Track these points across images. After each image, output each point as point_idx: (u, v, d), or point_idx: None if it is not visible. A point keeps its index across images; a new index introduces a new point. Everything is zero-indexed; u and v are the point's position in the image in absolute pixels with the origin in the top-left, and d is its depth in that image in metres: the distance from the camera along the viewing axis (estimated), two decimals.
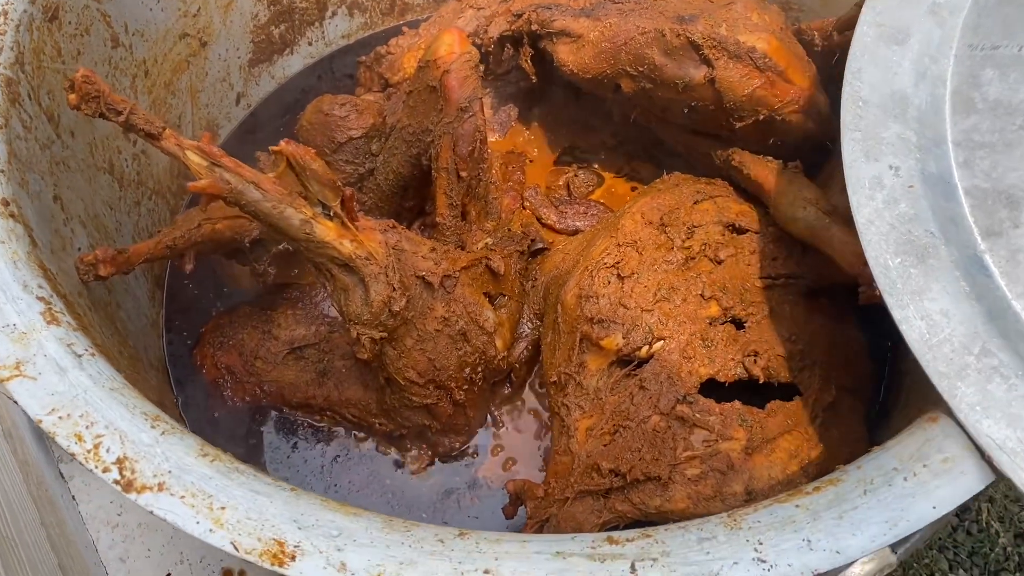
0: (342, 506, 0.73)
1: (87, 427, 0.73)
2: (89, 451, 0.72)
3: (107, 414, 0.74)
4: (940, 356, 0.81)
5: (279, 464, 1.29)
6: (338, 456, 1.30)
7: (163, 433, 0.74)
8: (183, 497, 0.70)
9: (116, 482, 0.71)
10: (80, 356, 0.79)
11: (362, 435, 1.31)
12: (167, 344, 1.39)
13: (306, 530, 0.70)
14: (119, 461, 0.72)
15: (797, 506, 0.72)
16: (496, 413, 1.31)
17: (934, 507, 0.71)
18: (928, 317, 0.83)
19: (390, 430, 1.27)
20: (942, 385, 0.79)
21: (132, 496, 0.70)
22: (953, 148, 0.93)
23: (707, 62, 1.20)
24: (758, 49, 1.19)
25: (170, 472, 0.72)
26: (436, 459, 1.28)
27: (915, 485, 0.73)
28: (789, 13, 1.53)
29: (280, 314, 1.37)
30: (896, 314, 0.84)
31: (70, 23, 1.13)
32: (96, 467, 0.72)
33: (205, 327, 1.38)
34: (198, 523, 0.69)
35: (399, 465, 1.28)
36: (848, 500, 0.72)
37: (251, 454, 1.30)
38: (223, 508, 0.70)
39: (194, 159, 1.00)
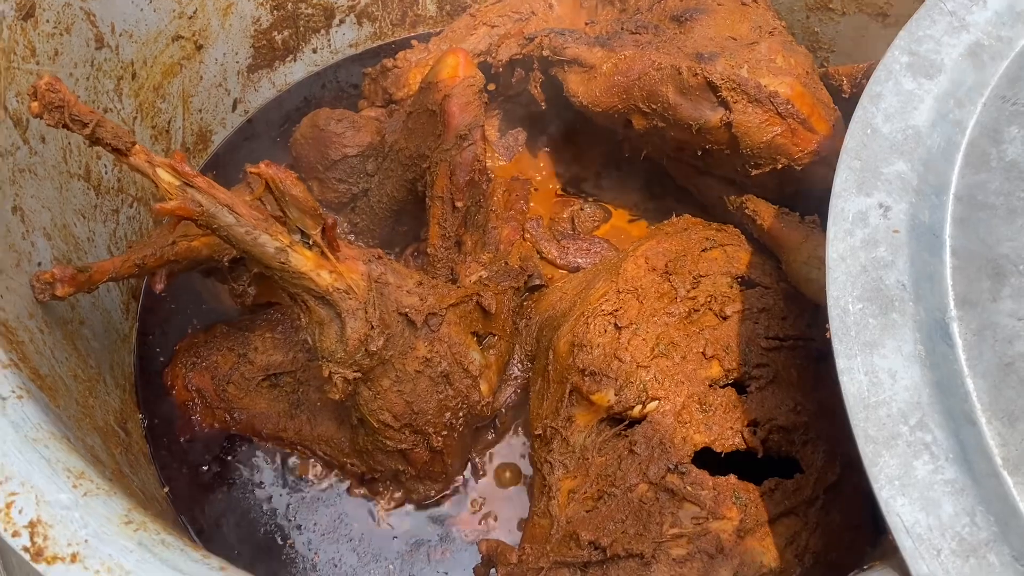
0: None
1: (0, 482, 0.66)
2: None
3: (25, 469, 0.67)
4: (873, 418, 0.76)
5: (242, 498, 1.22)
6: (306, 494, 1.22)
7: (85, 494, 0.67)
8: (97, 572, 0.63)
9: (25, 549, 0.64)
10: (5, 399, 0.71)
11: (333, 474, 1.23)
12: (138, 360, 1.32)
13: None
14: (31, 524, 0.64)
15: None
16: (477, 461, 1.23)
17: None
18: (873, 374, 0.77)
19: (362, 472, 1.19)
20: (866, 450, 0.74)
21: (41, 567, 0.63)
22: (954, 201, 0.87)
23: (725, 104, 1.12)
24: (780, 94, 1.11)
25: (87, 541, 0.64)
26: (409, 506, 1.20)
27: None
28: (818, 54, 1.45)
29: (258, 336, 1.30)
30: (840, 363, 0.78)
31: (48, 21, 1.06)
32: (5, 530, 0.64)
33: (179, 345, 1.31)
34: None
35: (369, 510, 1.20)
36: None
37: (215, 483, 1.23)
38: None
39: (165, 178, 0.93)
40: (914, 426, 0.75)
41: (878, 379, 0.77)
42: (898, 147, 0.90)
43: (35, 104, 0.88)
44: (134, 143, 0.91)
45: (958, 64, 0.95)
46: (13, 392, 0.73)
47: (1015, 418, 0.74)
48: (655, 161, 1.37)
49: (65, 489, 0.67)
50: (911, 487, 0.72)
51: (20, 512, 0.65)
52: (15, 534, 0.64)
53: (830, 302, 0.82)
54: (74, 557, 0.63)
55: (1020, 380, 0.75)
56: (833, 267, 0.83)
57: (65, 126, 0.88)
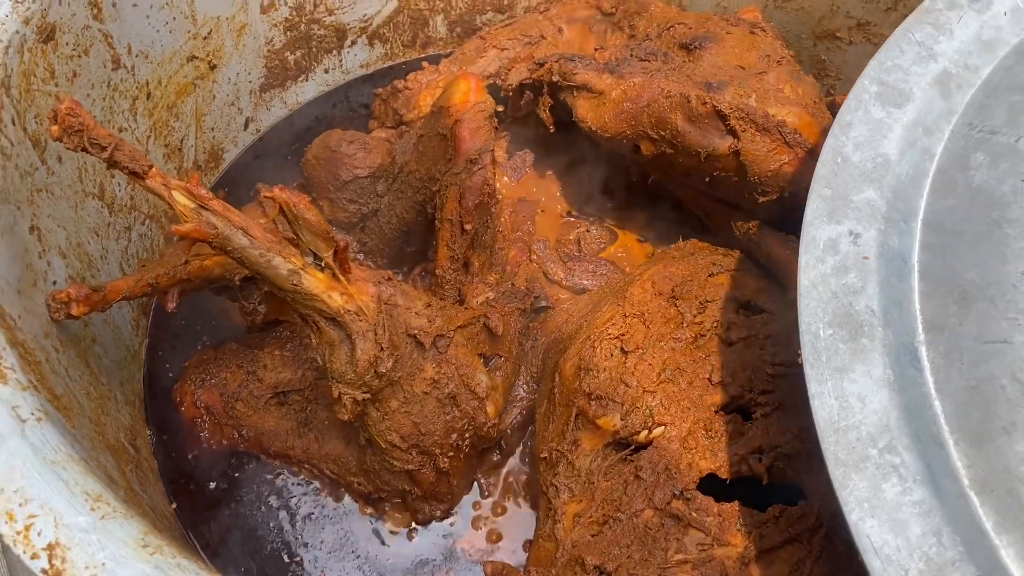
0: None
1: (20, 505, 0.67)
2: (19, 533, 0.66)
3: (44, 491, 0.68)
4: (843, 442, 0.77)
5: (250, 515, 1.23)
6: (313, 512, 1.23)
7: (103, 517, 0.68)
8: None
9: (44, 571, 0.65)
10: (24, 421, 0.72)
11: (340, 493, 1.24)
12: (147, 377, 1.33)
13: None
14: (50, 547, 0.65)
15: None
16: (482, 481, 1.24)
17: None
18: (843, 398, 0.79)
19: (369, 491, 1.20)
20: (836, 473, 0.75)
21: None
22: (922, 227, 0.88)
23: (733, 133, 1.14)
24: (788, 124, 1.12)
25: (104, 564, 0.65)
26: (415, 526, 1.21)
27: None
28: (825, 82, 1.47)
29: (267, 354, 1.31)
30: (811, 388, 0.80)
31: (67, 44, 1.08)
32: (24, 552, 0.65)
33: (189, 361, 1.32)
34: None
35: (375, 529, 1.21)
36: None
37: (222, 500, 1.24)
38: None
39: (180, 200, 0.94)
40: (883, 449, 0.76)
41: (848, 403, 0.79)
42: (868, 175, 0.92)
43: (55, 128, 0.90)
44: (151, 166, 0.92)
45: (926, 93, 0.97)
46: (32, 414, 0.74)
47: (981, 439, 0.75)
48: (662, 185, 1.38)
49: (83, 512, 0.68)
50: (879, 509, 0.73)
51: (39, 535, 0.66)
52: (34, 556, 0.65)
53: (802, 328, 0.83)
54: None
55: (986, 402, 0.77)
56: (804, 294, 0.85)
57: (84, 149, 0.90)
